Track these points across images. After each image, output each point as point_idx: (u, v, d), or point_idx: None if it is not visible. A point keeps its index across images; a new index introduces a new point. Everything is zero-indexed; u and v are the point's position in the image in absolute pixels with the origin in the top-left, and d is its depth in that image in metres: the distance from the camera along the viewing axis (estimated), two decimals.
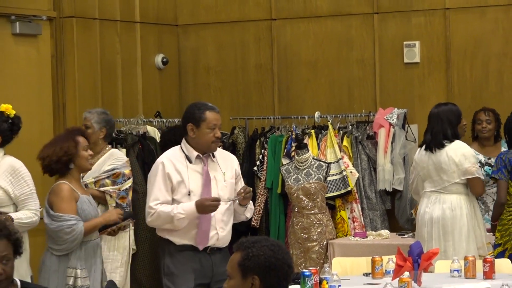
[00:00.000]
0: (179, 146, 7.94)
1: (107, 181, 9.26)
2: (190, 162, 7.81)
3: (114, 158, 9.45)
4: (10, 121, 7.97)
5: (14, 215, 7.78)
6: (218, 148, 8.00)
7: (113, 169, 9.34)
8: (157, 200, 7.67)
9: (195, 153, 7.79)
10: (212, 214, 7.70)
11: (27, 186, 7.96)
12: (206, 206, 7.63)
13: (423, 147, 9.09)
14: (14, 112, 7.99)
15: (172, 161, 7.78)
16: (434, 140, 9.00)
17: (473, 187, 8.92)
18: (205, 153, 7.81)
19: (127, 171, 9.44)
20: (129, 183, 9.41)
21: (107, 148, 9.60)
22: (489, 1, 11.23)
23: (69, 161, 7.63)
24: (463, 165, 8.85)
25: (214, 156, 7.89)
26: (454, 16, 11.38)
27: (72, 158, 7.62)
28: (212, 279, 7.80)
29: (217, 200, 7.67)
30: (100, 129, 9.48)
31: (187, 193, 7.73)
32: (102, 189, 9.17)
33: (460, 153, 8.93)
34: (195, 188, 7.79)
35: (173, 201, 7.73)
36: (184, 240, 7.76)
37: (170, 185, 7.72)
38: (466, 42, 11.36)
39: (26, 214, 7.89)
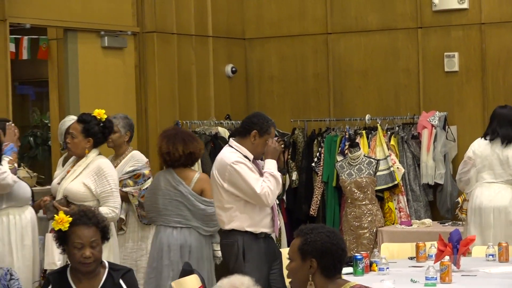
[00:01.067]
0: (231, 148, 7.85)
1: (129, 181, 8.82)
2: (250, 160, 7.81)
3: (135, 160, 8.95)
4: (101, 124, 8.02)
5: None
6: None
7: (134, 170, 8.87)
8: (259, 182, 7.63)
9: (251, 156, 7.78)
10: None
11: (109, 185, 7.94)
12: (274, 148, 7.83)
13: (486, 139, 9.07)
14: (105, 117, 8.01)
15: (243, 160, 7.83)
16: (505, 136, 9.04)
17: None
18: (255, 158, 7.86)
19: (147, 171, 8.99)
20: (148, 183, 8.88)
21: (129, 150, 9.08)
22: None
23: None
24: None
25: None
26: (488, 30, 11.35)
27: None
28: (275, 261, 7.86)
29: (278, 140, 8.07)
30: (125, 133, 8.96)
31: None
32: (124, 189, 8.66)
33: None
34: None
35: None
36: (262, 229, 7.72)
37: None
38: (499, 53, 11.31)
39: (104, 210, 7.89)
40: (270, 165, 7.69)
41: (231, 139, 8.06)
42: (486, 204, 8.95)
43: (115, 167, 8.42)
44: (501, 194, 8.97)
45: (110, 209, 7.87)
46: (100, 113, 7.95)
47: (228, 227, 7.68)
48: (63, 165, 8.64)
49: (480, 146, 9.07)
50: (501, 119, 9.11)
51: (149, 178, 8.90)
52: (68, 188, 7.84)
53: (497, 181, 9.00)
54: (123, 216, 8.54)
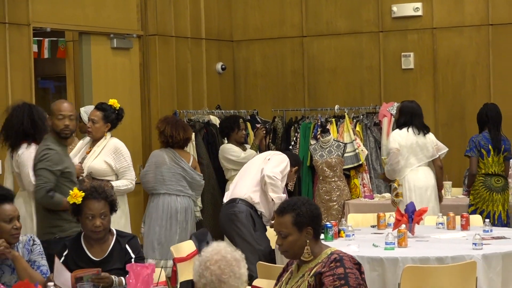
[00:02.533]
0: None
1: None
2: None
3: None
4: (116, 112, 8.10)
5: (114, 183, 7.86)
6: None
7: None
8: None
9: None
10: None
11: (125, 161, 8.06)
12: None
13: (407, 130, 9.07)
14: (119, 105, 8.15)
15: None
16: (420, 126, 9.04)
17: (436, 163, 9.04)
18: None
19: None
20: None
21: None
22: (465, 23, 11.17)
23: None
24: (437, 148, 8.95)
25: None
26: (439, 34, 11.35)
27: None
28: None
29: None
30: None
31: None
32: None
33: (435, 139, 9.07)
34: None
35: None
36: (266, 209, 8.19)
37: None
38: (448, 53, 11.32)
39: (123, 183, 8.02)
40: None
41: None
42: (419, 184, 9.03)
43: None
44: (427, 174, 9.06)
45: (128, 181, 8.12)
46: (114, 103, 8.14)
47: (244, 196, 8.15)
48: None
49: (402, 137, 9.06)
50: (413, 112, 9.15)
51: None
52: (91, 165, 7.97)
53: (420, 164, 9.06)
54: None
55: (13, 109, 7.54)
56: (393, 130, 11.05)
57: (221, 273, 4.02)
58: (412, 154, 9.09)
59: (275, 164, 8.20)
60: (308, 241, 4.68)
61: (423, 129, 9.10)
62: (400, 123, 9.24)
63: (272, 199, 7.99)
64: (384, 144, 11.11)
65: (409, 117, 9.13)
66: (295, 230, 4.66)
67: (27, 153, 7.32)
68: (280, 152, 8.62)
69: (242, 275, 4.07)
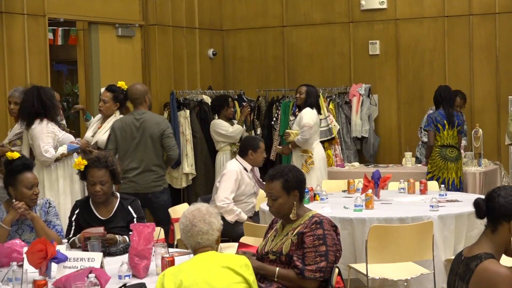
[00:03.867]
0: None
1: (18, 141, 7.59)
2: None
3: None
4: (124, 92, 8.07)
5: None
6: None
7: (21, 132, 7.60)
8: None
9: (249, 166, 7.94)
10: None
11: None
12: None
13: (314, 110, 9.33)
14: (126, 87, 8.09)
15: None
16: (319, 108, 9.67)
17: None
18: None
19: None
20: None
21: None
22: (424, 15, 11.15)
23: None
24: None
25: None
26: (402, 24, 11.33)
27: None
28: None
29: None
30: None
31: None
32: (14, 148, 7.26)
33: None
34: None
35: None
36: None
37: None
38: (409, 41, 11.31)
39: None
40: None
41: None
42: (322, 155, 9.44)
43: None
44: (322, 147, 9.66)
45: None
46: (122, 84, 8.13)
47: None
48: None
49: (315, 116, 9.27)
50: (316, 95, 9.53)
51: None
52: (102, 139, 8.00)
53: (320, 139, 9.78)
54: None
55: (24, 93, 7.52)
56: (361, 107, 11.12)
57: (193, 218, 4.09)
58: (318, 130, 9.48)
59: (222, 189, 7.65)
60: (294, 202, 4.71)
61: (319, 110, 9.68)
62: (307, 104, 9.37)
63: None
64: (354, 120, 11.16)
65: (314, 99, 9.40)
66: (284, 193, 4.69)
67: (39, 127, 7.34)
68: (228, 168, 7.84)
69: (212, 223, 4.10)
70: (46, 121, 7.33)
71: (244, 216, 7.57)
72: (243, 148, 7.88)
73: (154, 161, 7.73)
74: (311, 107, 9.31)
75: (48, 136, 7.31)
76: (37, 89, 7.47)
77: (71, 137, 7.61)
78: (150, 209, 7.74)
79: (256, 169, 8.05)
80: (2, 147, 7.41)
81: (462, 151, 9.39)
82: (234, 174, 7.69)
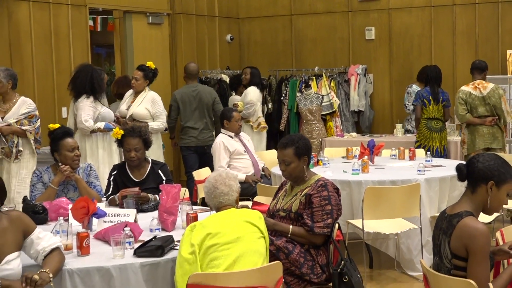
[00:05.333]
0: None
1: (25, 121, 7.06)
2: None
3: (28, 104, 7.14)
4: (152, 71, 8.10)
5: (150, 124, 7.92)
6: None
7: (28, 112, 7.09)
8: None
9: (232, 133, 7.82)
10: None
11: (159, 108, 8.09)
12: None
13: (257, 88, 9.65)
14: (154, 66, 8.14)
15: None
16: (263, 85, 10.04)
17: None
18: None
19: (37, 112, 7.20)
20: (39, 122, 7.19)
21: (17, 96, 7.17)
22: (414, 4, 11.05)
23: None
24: None
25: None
26: (394, 13, 11.24)
27: None
28: None
29: None
30: (8, 81, 7.03)
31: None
32: (23, 127, 7.03)
33: None
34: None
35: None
36: None
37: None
38: (400, 28, 11.22)
39: (157, 124, 8.04)
40: None
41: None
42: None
43: (7, 110, 7.09)
44: None
45: (160, 122, 8.11)
46: (151, 64, 8.18)
47: None
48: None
49: (258, 94, 9.67)
50: (259, 76, 9.86)
51: (39, 118, 7.23)
52: (135, 111, 8.05)
53: None
54: (20, 148, 7.06)
55: (80, 69, 7.53)
56: (358, 85, 11.09)
57: (215, 182, 4.14)
58: (260, 106, 9.75)
59: (216, 161, 7.70)
60: (304, 167, 4.71)
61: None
62: (252, 83, 9.63)
63: None
64: (352, 95, 11.14)
65: (258, 79, 9.72)
66: (296, 158, 4.70)
67: (84, 101, 7.38)
68: (214, 144, 7.83)
69: (231, 185, 4.14)
70: (92, 98, 7.37)
71: (243, 176, 7.53)
72: (221, 120, 7.88)
73: (208, 122, 8.92)
74: (256, 86, 9.58)
75: (90, 109, 7.34)
76: (91, 70, 7.47)
77: (111, 113, 7.59)
78: (203, 156, 8.80)
79: (243, 135, 8.04)
80: (9, 126, 7.02)
81: (447, 123, 9.35)
82: (218, 146, 7.67)
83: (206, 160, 8.61)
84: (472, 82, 8.47)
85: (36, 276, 3.48)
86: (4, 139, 7.05)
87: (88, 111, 7.32)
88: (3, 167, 7.16)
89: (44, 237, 3.81)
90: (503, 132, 8.51)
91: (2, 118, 7.07)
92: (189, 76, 9.03)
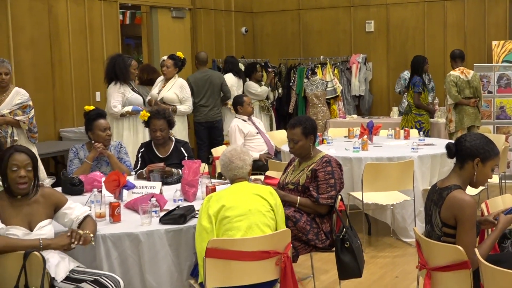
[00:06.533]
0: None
1: (19, 111, 6.39)
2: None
3: (21, 94, 6.47)
4: (181, 60, 8.07)
5: (179, 107, 7.89)
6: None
7: (22, 103, 6.42)
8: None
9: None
10: None
11: (187, 93, 8.04)
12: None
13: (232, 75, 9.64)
14: (183, 56, 8.09)
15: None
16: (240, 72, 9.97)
17: None
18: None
19: (31, 103, 6.54)
20: (33, 112, 6.55)
21: (11, 86, 6.52)
22: (409, 0, 11.00)
23: None
24: None
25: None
26: (391, 8, 11.15)
27: None
28: None
29: None
30: (11, 74, 6.50)
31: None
32: (16, 118, 6.36)
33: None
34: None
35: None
36: None
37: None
38: (397, 21, 11.14)
39: (184, 107, 8.00)
40: None
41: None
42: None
43: (1, 101, 6.44)
44: None
45: (187, 105, 8.04)
46: (180, 54, 8.12)
47: None
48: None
49: (234, 81, 9.65)
50: (236, 63, 9.91)
51: (32, 108, 6.57)
52: (166, 95, 7.98)
53: None
54: (16, 137, 6.41)
55: (109, 59, 7.53)
56: (359, 72, 11.04)
57: (230, 156, 4.10)
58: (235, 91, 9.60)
59: (232, 143, 7.61)
60: (310, 145, 4.70)
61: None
62: (228, 70, 9.73)
63: None
64: (353, 82, 11.10)
65: (232, 65, 9.74)
66: (303, 137, 4.68)
67: (113, 88, 7.32)
68: (229, 129, 7.76)
69: (245, 160, 4.10)
70: (119, 84, 7.31)
71: (256, 155, 7.53)
72: (234, 106, 7.89)
73: (217, 101, 9.12)
74: (232, 73, 9.68)
75: (118, 95, 7.28)
76: (117, 58, 7.45)
77: (139, 98, 7.49)
78: (212, 130, 9.03)
79: (254, 119, 7.98)
80: (2, 116, 6.36)
81: (437, 106, 9.29)
82: (234, 129, 7.65)
83: (215, 133, 9.05)
84: (458, 68, 8.47)
85: (81, 232, 3.61)
86: None
87: (117, 97, 7.28)
88: None
89: (75, 207, 3.86)
90: (480, 112, 8.59)
91: None
92: (200, 62, 9.26)
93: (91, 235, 3.68)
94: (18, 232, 3.59)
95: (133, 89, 7.43)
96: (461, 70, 8.43)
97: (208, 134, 9.09)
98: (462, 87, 8.35)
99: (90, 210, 4.01)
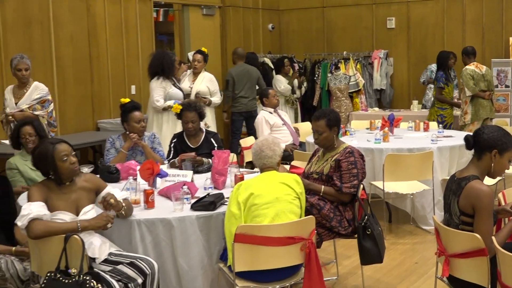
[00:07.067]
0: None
1: (38, 106, 6.20)
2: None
3: (40, 89, 6.27)
4: (207, 55, 8.08)
5: (212, 99, 7.89)
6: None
7: (41, 97, 6.21)
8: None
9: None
10: None
11: (217, 86, 8.11)
12: None
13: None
14: (206, 51, 8.08)
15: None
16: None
17: None
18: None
19: (49, 97, 6.32)
20: (52, 106, 6.34)
21: (31, 80, 6.29)
22: None
23: None
24: None
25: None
26: (412, 5, 11.05)
27: None
28: None
29: None
30: (30, 69, 6.22)
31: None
32: (35, 113, 6.14)
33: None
34: None
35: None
36: None
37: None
38: (417, 18, 11.04)
39: (215, 99, 8.00)
40: None
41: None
42: None
43: (21, 96, 6.25)
44: None
45: (218, 97, 8.07)
46: (205, 50, 8.05)
47: None
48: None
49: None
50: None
51: (51, 102, 6.37)
52: (199, 88, 7.96)
53: None
54: None
55: (154, 54, 7.57)
56: (380, 67, 10.96)
57: (261, 146, 4.08)
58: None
59: (260, 134, 7.66)
60: (334, 136, 4.68)
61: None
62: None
63: None
64: (375, 76, 11.04)
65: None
66: (327, 129, 4.66)
67: (155, 83, 7.36)
68: (256, 120, 7.77)
69: (275, 150, 4.08)
70: (162, 79, 7.34)
71: (282, 146, 7.52)
72: (261, 99, 7.89)
73: (254, 92, 9.29)
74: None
75: (160, 90, 7.31)
76: (164, 54, 7.48)
77: (179, 93, 7.49)
78: (248, 119, 9.15)
79: (280, 111, 7.96)
80: (22, 112, 6.17)
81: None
82: (261, 120, 7.66)
83: (251, 123, 8.93)
84: (472, 63, 8.44)
85: (112, 200, 3.73)
86: None
87: (159, 92, 7.31)
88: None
89: (114, 192, 3.91)
90: (494, 105, 8.57)
91: (16, 104, 6.24)
92: (239, 57, 9.44)
93: (123, 204, 3.79)
94: (65, 217, 3.65)
95: (174, 84, 7.45)
96: (475, 64, 8.42)
97: (244, 124, 9.36)
98: (478, 80, 8.32)
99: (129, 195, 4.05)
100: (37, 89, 6.28)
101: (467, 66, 8.43)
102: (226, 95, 9.25)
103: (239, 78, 9.24)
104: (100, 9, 8.74)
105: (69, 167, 3.71)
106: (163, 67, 7.33)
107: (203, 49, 8.16)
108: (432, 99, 8.87)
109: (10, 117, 6.12)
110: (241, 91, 9.22)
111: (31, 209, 3.55)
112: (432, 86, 9.83)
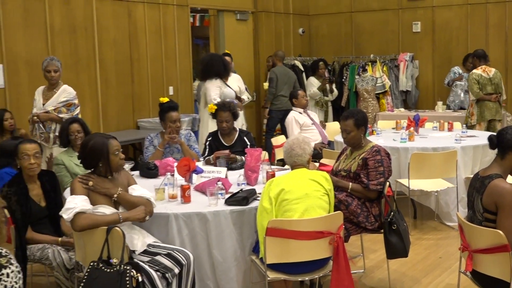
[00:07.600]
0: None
1: (63, 109, 6.05)
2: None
3: (67, 93, 6.11)
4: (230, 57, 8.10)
5: (243, 97, 7.86)
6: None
7: (67, 100, 6.07)
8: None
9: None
10: None
11: (244, 86, 8.02)
12: None
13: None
14: (228, 52, 8.14)
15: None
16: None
17: None
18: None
19: (76, 101, 6.17)
20: (78, 110, 6.16)
21: (61, 83, 6.16)
22: (453, 2, 10.74)
23: None
24: None
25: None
26: (437, 10, 10.92)
27: None
28: None
29: None
30: (60, 71, 6.14)
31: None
32: (60, 115, 6.01)
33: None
34: None
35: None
36: None
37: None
38: (442, 22, 10.91)
39: (245, 98, 7.95)
40: None
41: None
42: None
43: (49, 98, 6.12)
44: None
45: (246, 96, 7.96)
46: (228, 51, 8.13)
47: None
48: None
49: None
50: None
51: (78, 106, 6.19)
52: (234, 89, 7.82)
53: None
54: (58, 134, 5.74)
55: (211, 57, 7.60)
56: (406, 69, 10.86)
57: (292, 144, 4.06)
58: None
59: (290, 134, 7.65)
60: (362, 135, 4.66)
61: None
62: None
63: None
64: (401, 78, 10.93)
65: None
66: (355, 128, 4.63)
67: (211, 83, 7.35)
68: (286, 120, 7.75)
69: (305, 149, 4.04)
70: (219, 80, 7.37)
71: (312, 144, 7.50)
72: (290, 99, 7.87)
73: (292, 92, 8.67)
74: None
75: (216, 89, 7.33)
76: (220, 57, 7.56)
77: (232, 92, 7.48)
78: (284, 117, 8.31)
79: (309, 112, 7.93)
80: (47, 113, 6.05)
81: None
82: (291, 120, 7.64)
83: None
84: (480, 67, 8.36)
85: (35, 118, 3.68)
86: (42, 126, 6.07)
87: (215, 91, 7.32)
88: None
89: (137, 189, 3.88)
90: (502, 107, 8.49)
91: (43, 105, 6.10)
92: (279, 59, 9.72)
93: (119, 191, 3.72)
94: (106, 210, 3.69)
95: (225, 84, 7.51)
96: (483, 68, 8.33)
97: (279, 122, 9.44)
98: (484, 84, 8.24)
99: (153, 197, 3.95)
100: (64, 92, 6.13)
101: (474, 71, 8.38)
102: (270, 92, 9.46)
103: (281, 78, 9.44)
104: (141, 14, 8.82)
105: (119, 161, 3.77)
106: (225, 67, 7.39)
107: (226, 51, 8.28)
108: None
109: (35, 117, 6.04)
110: (281, 90, 9.39)
111: (75, 202, 3.59)
112: (455, 86, 9.73)
